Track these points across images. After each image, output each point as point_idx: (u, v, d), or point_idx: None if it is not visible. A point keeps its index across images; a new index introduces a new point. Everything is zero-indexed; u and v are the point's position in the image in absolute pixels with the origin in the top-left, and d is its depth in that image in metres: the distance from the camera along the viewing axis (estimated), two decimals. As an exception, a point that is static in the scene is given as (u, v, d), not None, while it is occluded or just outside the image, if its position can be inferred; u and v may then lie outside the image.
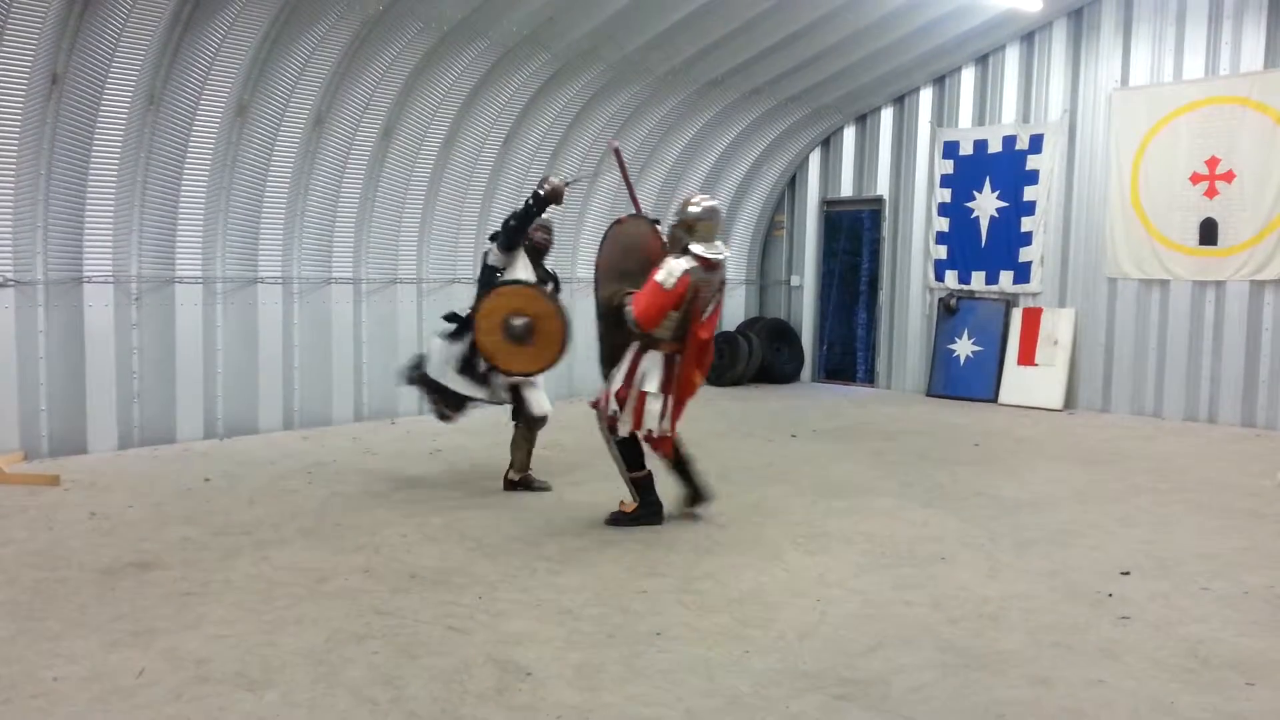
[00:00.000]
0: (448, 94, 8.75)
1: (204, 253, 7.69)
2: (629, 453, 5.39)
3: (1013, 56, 10.85)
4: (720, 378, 11.94)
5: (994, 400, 10.68)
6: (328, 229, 8.51)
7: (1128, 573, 4.71)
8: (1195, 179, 9.55)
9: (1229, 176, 9.36)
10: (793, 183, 12.72)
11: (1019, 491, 6.45)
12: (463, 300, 9.57)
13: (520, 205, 6.00)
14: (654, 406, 5.24)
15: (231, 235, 7.88)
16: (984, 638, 3.87)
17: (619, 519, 5.42)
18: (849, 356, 12.47)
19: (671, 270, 5.16)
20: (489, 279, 5.95)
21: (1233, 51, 9.42)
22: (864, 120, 12.08)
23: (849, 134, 12.22)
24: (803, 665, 3.57)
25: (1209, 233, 9.50)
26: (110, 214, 7.07)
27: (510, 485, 6.29)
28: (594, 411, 5.54)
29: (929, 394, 11.28)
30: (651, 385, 5.23)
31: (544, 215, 6.02)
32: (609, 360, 5.43)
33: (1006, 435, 8.76)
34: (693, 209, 5.34)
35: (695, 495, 5.58)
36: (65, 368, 6.99)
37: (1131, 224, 9.99)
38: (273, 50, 7.50)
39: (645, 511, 5.40)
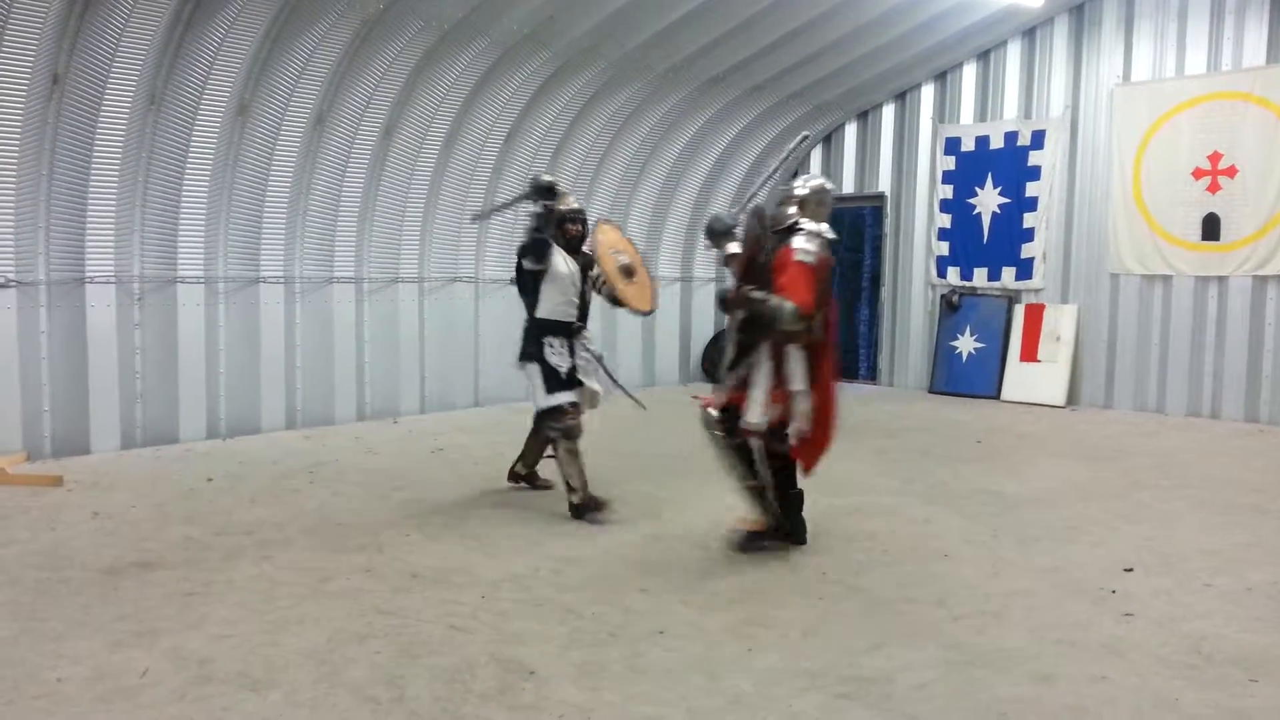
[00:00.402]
0: (449, 92, 8.75)
1: (205, 252, 7.70)
2: (783, 470, 4.82)
3: (1014, 52, 10.83)
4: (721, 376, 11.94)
5: (996, 397, 10.67)
6: (329, 228, 8.51)
7: (1131, 569, 4.71)
8: (1198, 174, 9.54)
9: (1231, 172, 9.34)
10: (794, 179, 12.68)
11: (1021, 488, 6.44)
12: (464, 299, 9.63)
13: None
14: (804, 406, 4.70)
15: (233, 235, 7.88)
16: (987, 635, 3.87)
17: (753, 540, 4.84)
18: (851, 353, 12.43)
19: (807, 246, 4.67)
20: (525, 280, 5.72)
21: (1235, 47, 9.39)
22: (865, 117, 12.06)
23: (850, 130, 12.20)
24: (805, 663, 3.57)
25: (1211, 228, 9.49)
26: (112, 214, 7.08)
27: (515, 478, 6.27)
28: (703, 414, 5.00)
29: (931, 391, 11.27)
30: (800, 383, 4.70)
31: (571, 204, 5.83)
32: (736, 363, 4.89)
33: (1009, 432, 8.75)
34: (800, 189, 4.92)
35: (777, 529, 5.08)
36: (68, 368, 6.99)
37: (1134, 219, 9.98)
38: (274, 49, 7.50)
39: (793, 529, 4.91)
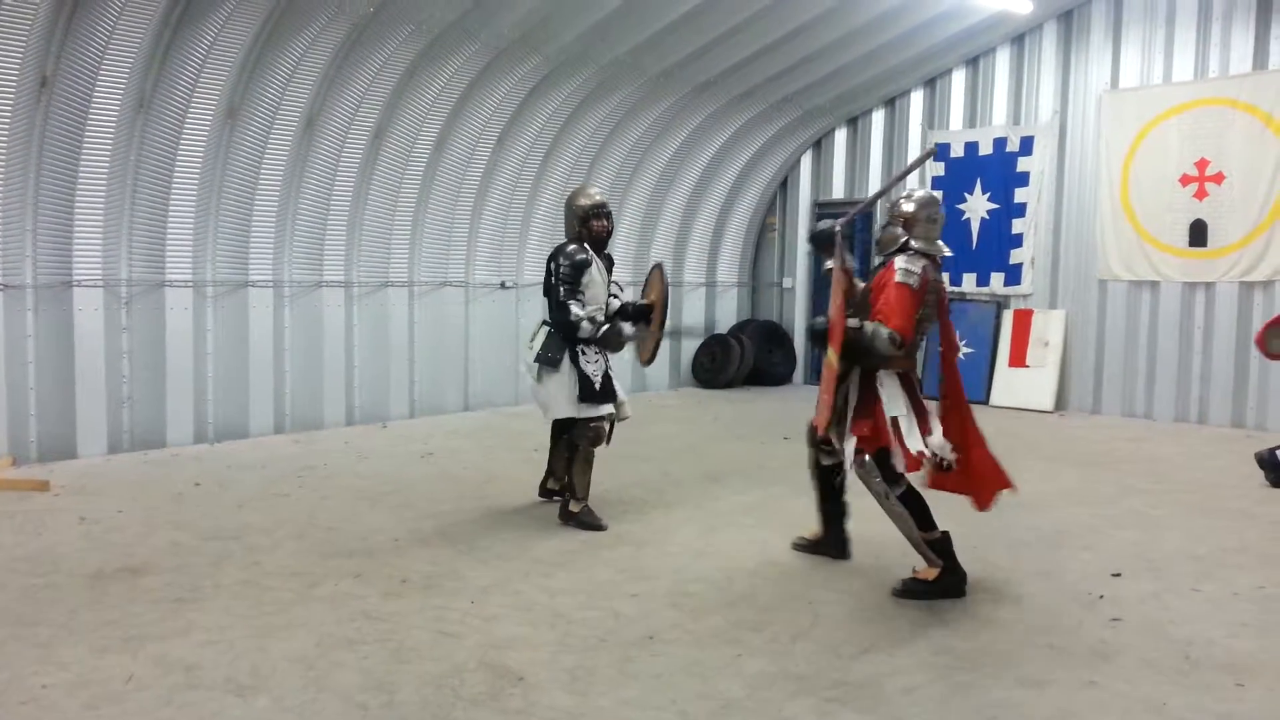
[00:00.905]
0: (439, 96, 8.74)
1: (194, 256, 7.66)
2: (915, 509, 4.46)
3: (1003, 59, 10.88)
4: (712, 380, 11.96)
5: (985, 402, 10.69)
6: (319, 232, 8.49)
7: (1119, 574, 4.73)
8: (1185, 181, 9.59)
9: (1219, 178, 9.40)
10: (785, 185, 12.73)
11: (1010, 493, 6.45)
12: (454, 303, 9.61)
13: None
14: (908, 427, 4.44)
15: (222, 238, 7.85)
16: (977, 640, 3.88)
17: (914, 589, 4.41)
18: (841, 358, 12.44)
19: (909, 268, 4.41)
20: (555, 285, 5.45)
21: (1221, 53, 9.46)
22: (855, 122, 12.10)
23: (840, 136, 12.24)
24: (796, 668, 3.57)
25: (1199, 234, 9.54)
26: (100, 217, 7.04)
27: (547, 494, 5.96)
28: (810, 448, 4.87)
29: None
30: (899, 408, 4.44)
31: (595, 198, 5.60)
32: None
33: (997, 437, 8.71)
34: (906, 205, 4.58)
35: (828, 543, 4.99)
36: (54, 372, 6.95)
37: (1122, 226, 10.03)
38: (264, 53, 7.48)
39: (950, 580, 4.42)
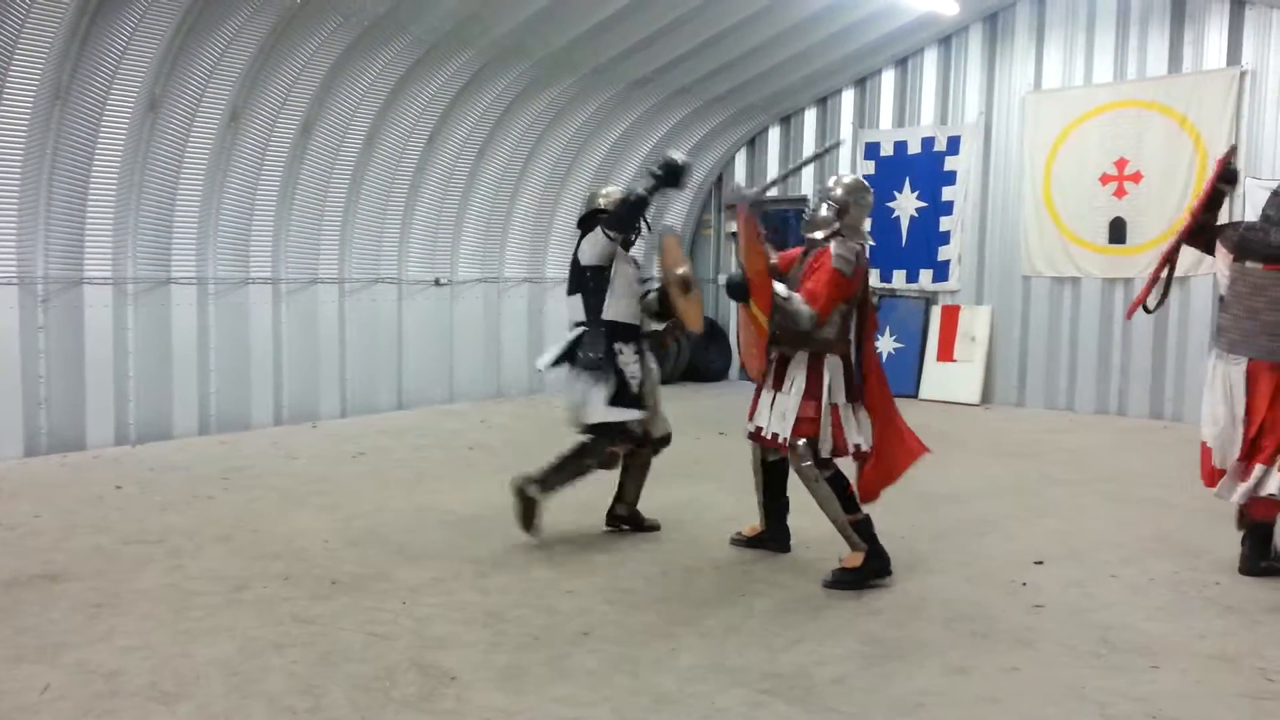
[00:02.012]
0: (369, 90, 8.60)
1: (114, 252, 7.42)
2: (840, 492, 4.50)
3: (931, 60, 11.10)
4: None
5: (915, 396, 10.90)
6: (244, 227, 8.28)
7: (1041, 562, 4.86)
8: (1105, 179, 9.89)
9: (1137, 177, 9.71)
10: (719, 182, 12.81)
11: (937, 485, 6.58)
12: (387, 300, 9.48)
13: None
14: (853, 418, 4.55)
15: (142, 234, 7.61)
16: (904, 629, 3.95)
17: (844, 579, 4.44)
18: (775, 354, 12.57)
19: (846, 255, 4.48)
20: (585, 280, 5.06)
21: (1139, 57, 9.78)
22: (788, 121, 12.22)
23: (773, 134, 12.35)
24: (728, 661, 3.60)
25: (1118, 231, 9.85)
26: (14, 213, 6.80)
27: (615, 520, 5.40)
28: (753, 445, 4.87)
29: (853, 390, 11.45)
30: (840, 396, 4.52)
31: (615, 196, 5.26)
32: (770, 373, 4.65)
33: (926, 430, 8.83)
34: (839, 190, 4.65)
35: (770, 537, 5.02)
36: (-35, 372, 6.70)
37: (1044, 223, 10.30)
38: (185, 43, 7.26)
39: (876, 563, 4.47)
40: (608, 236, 4.98)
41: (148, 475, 6.54)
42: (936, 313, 11.06)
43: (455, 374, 10.13)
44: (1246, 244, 4.66)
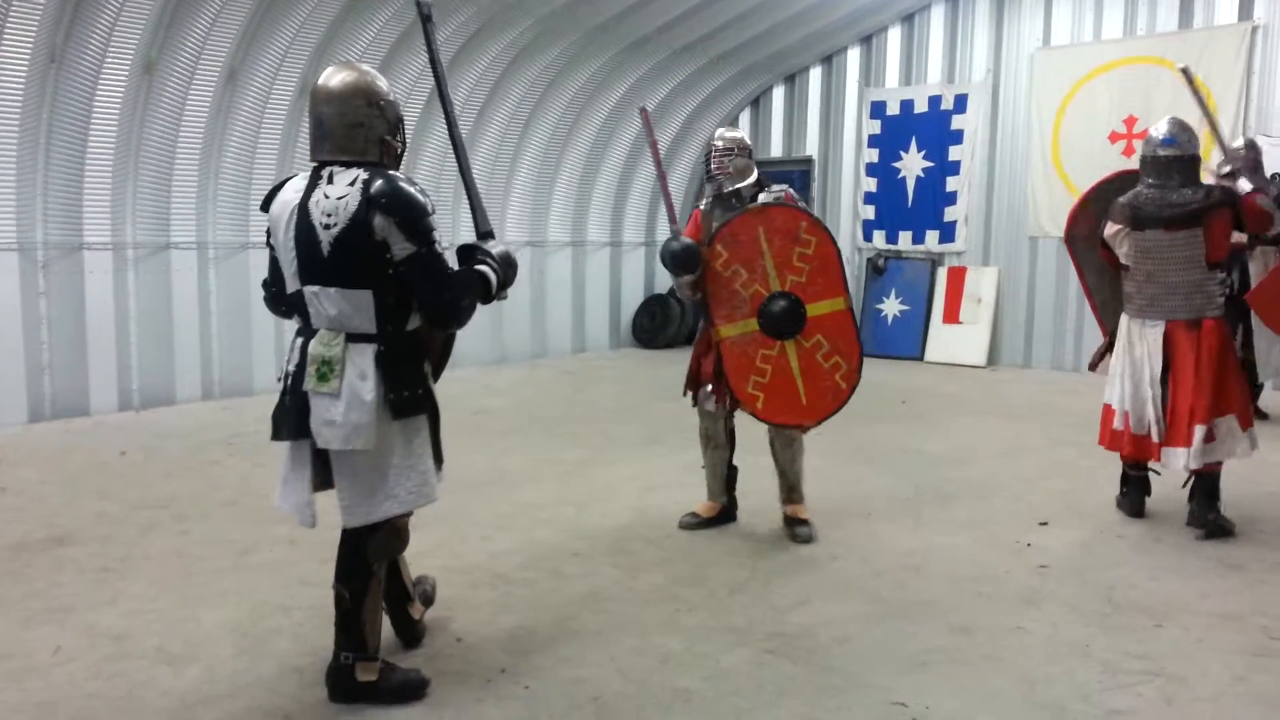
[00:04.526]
0: (368, 49, 8.49)
1: (113, 217, 7.38)
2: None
3: (938, 16, 10.93)
4: (652, 340, 11.97)
5: (920, 358, 10.88)
6: (243, 191, 8.21)
7: (1046, 523, 4.86)
8: (1114, 138, 9.78)
9: (1145, 135, 9.57)
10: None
11: (943, 447, 6.59)
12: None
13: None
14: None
15: (142, 199, 7.58)
16: (908, 589, 3.96)
17: (806, 532, 4.55)
18: (780, 316, 12.52)
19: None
20: None
21: (1149, 12, 9.63)
22: (793, 80, 12.08)
23: (778, 94, 12.22)
24: (733, 621, 3.61)
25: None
26: (12, 179, 6.75)
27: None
28: (712, 415, 4.66)
29: (858, 352, 11.42)
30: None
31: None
32: None
33: (932, 392, 8.94)
34: (748, 143, 4.81)
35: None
36: (-32, 339, 6.69)
37: (1052, 183, 10.20)
38: (180, 3, 7.18)
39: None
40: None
41: (152, 441, 6.55)
42: (943, 274, 10.99)
43: (458, 338, 10.09)
44: (1141, 214, 4.68)
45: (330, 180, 2.86)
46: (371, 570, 3.01)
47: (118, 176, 7.35)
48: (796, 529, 4.58)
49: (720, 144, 4.64)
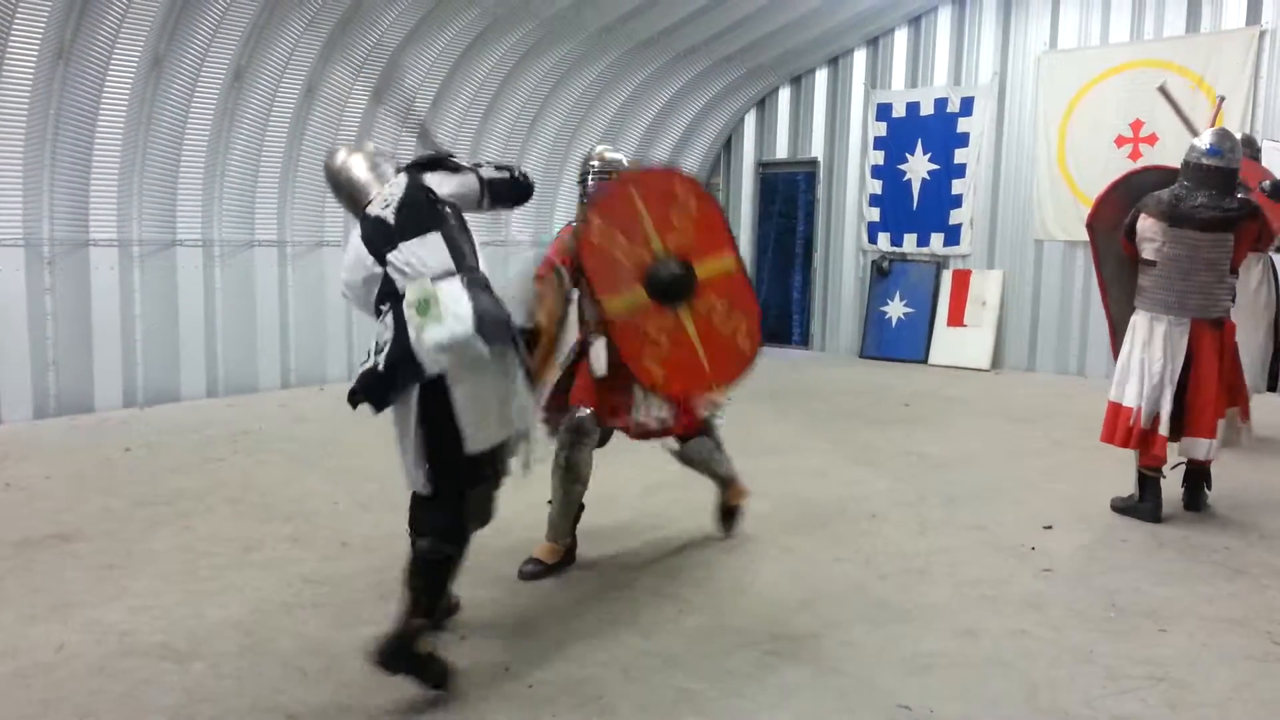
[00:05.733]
0: (374, 50, 8.50)
1: (119, 214, 7.40)
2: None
3: (945, 18, 10.92)
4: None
5: (924, 361, 10.87)
6: (249, 189, 8.24)
7: (1050, 526, 4.85)
8: (1120, 142, 9.76)
9: (1152, 139, 9.58)
10: (728, 145, 12.69)
11: (947, 450, 6.58)
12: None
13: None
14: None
15: (148, 196, 7.58)
16: (912, 592, 3.95)
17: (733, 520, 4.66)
18: (784, 319, 12.55)
19: None
20: None
21: (1156, 16, 9.61)
22: (799, 81, 12.08)
23: (784, 95, 12.21)
24: (735, 622, 3.61)
25: (1132, 195, 9.72)
26: (19, 174, 6.76)
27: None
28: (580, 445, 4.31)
29: (862, 356, 11.43)
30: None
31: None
32: None
33: (936, 395, 8.93)
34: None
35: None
36: (-26, 334, 6.71)
37: (1058, 186, 10.19)
38: (187, 1, 7.20)
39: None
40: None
41: (156, 438, 6.56)
42: (947, 277, 10.98)
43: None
44: (1178, 212, 4.78)
45: None
46: (467, 536, 3.14)
47: (124, 173, 7.37)
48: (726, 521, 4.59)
49: (597, 164, 4.39)
